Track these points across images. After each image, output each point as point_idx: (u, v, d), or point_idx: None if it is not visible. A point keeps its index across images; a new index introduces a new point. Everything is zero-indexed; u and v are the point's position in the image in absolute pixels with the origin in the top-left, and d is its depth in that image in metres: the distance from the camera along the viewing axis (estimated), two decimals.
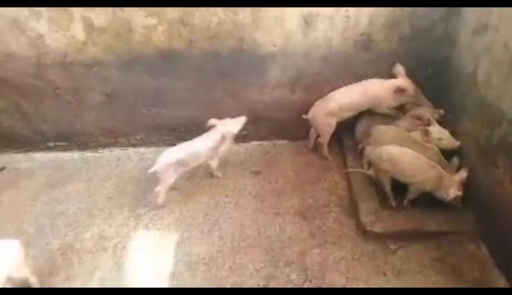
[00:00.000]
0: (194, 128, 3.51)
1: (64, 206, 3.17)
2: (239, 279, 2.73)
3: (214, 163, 3.27)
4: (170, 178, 3.07)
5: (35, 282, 2.60)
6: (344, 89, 3.18)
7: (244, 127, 3.46)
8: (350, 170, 3.24)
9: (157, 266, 2.80)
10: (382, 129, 3.10)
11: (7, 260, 2.42)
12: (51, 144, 3.57)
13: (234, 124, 3.13)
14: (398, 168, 2.86)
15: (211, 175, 3.38)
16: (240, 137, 3.61)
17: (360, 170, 3.14)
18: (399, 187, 2.95)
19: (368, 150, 3.03)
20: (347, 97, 3.16)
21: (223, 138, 3.11)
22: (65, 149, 3.60)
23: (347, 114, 3.23)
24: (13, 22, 2.80)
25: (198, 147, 3.11)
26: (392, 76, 3.13)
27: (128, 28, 2.84)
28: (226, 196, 3.27)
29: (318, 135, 3.40)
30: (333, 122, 3.22)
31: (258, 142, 3.51)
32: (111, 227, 3.03)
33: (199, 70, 3.11)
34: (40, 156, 3.61)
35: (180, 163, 3.06)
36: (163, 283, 2.71)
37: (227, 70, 3.12)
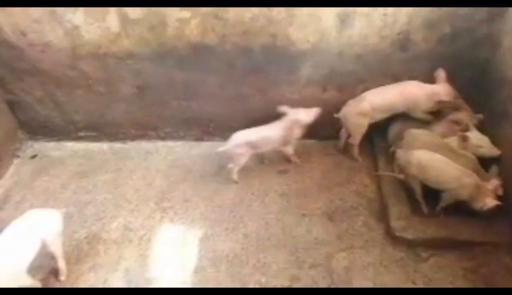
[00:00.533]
0: (222, 123, 3.54)
1: (92, 196, 3.23)
2: (262, 278, 2.71)
3: (289, 149, 3.30)
4: (240, 159, 3.17)
5: (63, 268, 2.67)
6: (378, 90, 3.09)
7: None
8: (380, 173, 3.15)
9: (181, 260, 2.82)
10: (415, 133, 2.98)
11: (46, 227, 2.51)
12: (82, 134, 3.62)
13: (306, 114, 3.10)
14: (427, 174, 2.76)
15: (288, 161, 3.41)
16: None
17: (391, 173, 3.04)
18: (433, 194, 2.83)
19: (399, 153, 2.93)
20: (380, 98, 3.06)
21: (292, 126, 3.12)
22: (95, 139, 3.65)
23: (380, 115, 3.13)
24: (51, 13, 2.84)
25: (267, 132, 3.18)
26: (429, 77, 3.01)
27: (162, 21, 2.84)
28: (252, 194, 3.24)
29: (349, 136, 3.32)
30: (364, 122, 3.13)
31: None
32: (137, 219, 3.07)
33: (229, 66, 3.08)
34: (71, 145, 3.68)
35: (249, 145, 3.13)
36: (186, 277, 2.72)
37: (258, 66, 3.08)
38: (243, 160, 3.19)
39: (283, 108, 3.14)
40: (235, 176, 3.27)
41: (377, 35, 2.88)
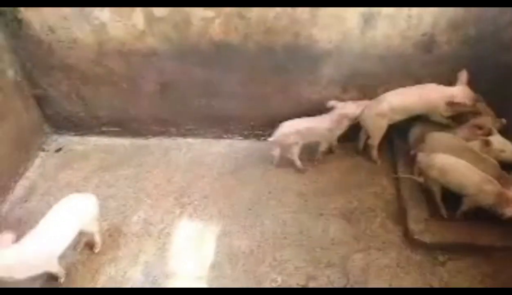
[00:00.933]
0: (242, 121, 3.59)
1: (114, 190, 3.30)
2: (278, 276, 2.73)
3: (325, 144, 3.32)
4: (290, 148, 3.24)
5: (99, 241, 2.80)
6: (398, 91, 3.06)
7: None
8: (400, 175, 3.13)
9: (199, 255, 2.86)
10: (437, 136, 2.95)
11: (84, 211, 2.63)
12: (105, 129, 3.71)
13: (354, 108, 3.14)
14: (448, 178, 2.72)
15: (310, 160, 3.42)
16: None
17: (411, 176, 3.02)
18: (453, 197, 2.79)
19: (421, 156, 2.91)
20: (399, 100, 3.03)
21: (341, 119, 3.15)
22: (117, 134, 3.72)
23: (399, 117, 3.10)
24: (79, 10, 2.91)
25: (316, 123, 3.20)
26: (452, 80, 2.96)
27: (186, 19, 2.88)
28: (269, 192, 3.27)
29: (368, 137, 3.31)
30: (384, 124, 3.11)
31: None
32: (156, 213, 3.13)
33: (251, 64, 3.11)
34: (94, 140, 3.77)
35: (297, 134, 3.17)
36: (203, 272, 2.76)
37: (279, 66, 3.10)
38: (295, 149, 3.24)
39: (332, 103, 3.16)
40: (298, 163, 3.32)
41: (401, 37, 2.87)
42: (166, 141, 3.73)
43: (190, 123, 3.62)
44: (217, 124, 3.61)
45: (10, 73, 3.24)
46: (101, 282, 2.69)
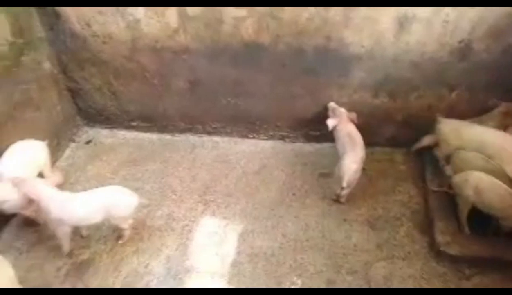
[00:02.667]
0: (268, 122, 3.59)
1: (140, 183, 3.36)
2: (299, 278, 2.73)
3: None
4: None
5: (126, 235, 2.89)
6: (481, 128, 2.85)
7: (317, 128, 3.47)
8: (434, 189, 3.05)
9: (220, 253, 2.88)
10: (464, 156, 2.81)
11: (122, 206, 2.72)
12: (134, 123, 3.78)
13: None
14: (483, 197, 2.61)
15: None
16: (313, 137, 3.62)
17: (443, 189, 2.95)
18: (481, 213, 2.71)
19: (449, 171, 2.83)
20: (477, 135, 2.81)
21: None
22: (146, 129, 3.80)
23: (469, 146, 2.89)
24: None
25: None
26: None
27: (219, 19, 2.91)
28: (293, 194, 3.26)
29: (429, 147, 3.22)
30: (454, 145, 2.93)
31: (331, 144, 3.41)
32: (180, 209, 3.17)
33: (281, 65, 3.11)
34: (123, 134, 3.85)
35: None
36: (224, 270, 2.78)
37: (309, 68, 3.08)
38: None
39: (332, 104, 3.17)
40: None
41: (436, 42, 2.80)
42: (192, 139, 3.78)
43: (216, 122, 3.65)
44: (243, 124, 3.63)
45: (47, 65, 3.35)
46: (124, 273, 2.74)
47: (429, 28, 2.72)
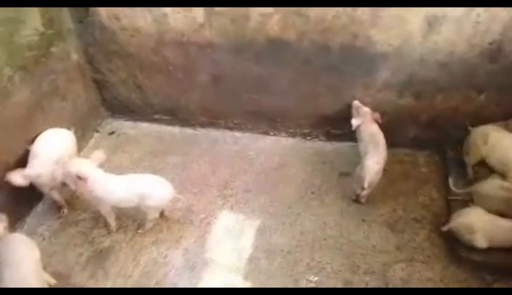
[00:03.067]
0: (290, 119, 3.58)
1: (161, 175, 3.29)
2: (315, 277, 2.72)
3: None
4: None
5: (148, 226, 2.96)
6: None
7: (339, 126, 3.44)
8: (453, 197, 2.98)
9: (237, 248, 2.90)
10: (485, 187, 2.76)
11: (156, 196, 2.79)
12: (157, 116, 3.83)
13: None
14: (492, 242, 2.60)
15: None
16: (334, 136, 3.59)
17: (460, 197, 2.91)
18: None
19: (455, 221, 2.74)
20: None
21: None
22: (168, 122, 3.84)
23: (494, 161, 2.93)
24: None
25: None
26: None
27: (245, 14, 2.91)
28: (312, 192, 3.25)
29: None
30: (484, 153, 2.95)
31: (352, 144, 3.38)
32: (199, 202, 3.20)
33: (305, 63, 3.09)
34: (146, 126, 3.91)
35: None
36: (240, 264, 2.79)
37: (333, 66, 3.06)
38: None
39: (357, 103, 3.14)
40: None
41: (466, 43, 2.73)
42: (213, 133, 3.80)
43: (238, 117, 3.66)
44: (265, 120, 3.63)
45: (74, 56, 3.43)
46: (143, 262, 2.79)
47: (459, 29, 2.66)
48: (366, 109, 3.12)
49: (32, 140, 2.94)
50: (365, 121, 3.10)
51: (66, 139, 3.06)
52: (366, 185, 2.86)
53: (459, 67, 2.86)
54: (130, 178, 2.80)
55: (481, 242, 2.57)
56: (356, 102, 3.18)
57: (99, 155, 2.78)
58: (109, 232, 2.98)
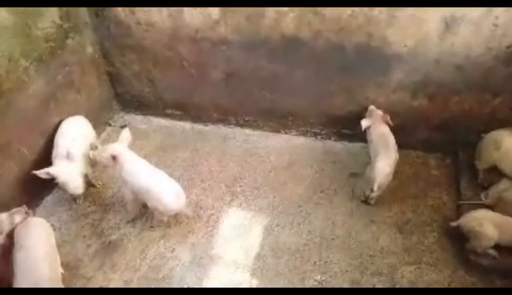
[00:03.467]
0: (301, 118, 3.57)
1: (170, 170, 3.35)
2: (322, 276, 2.71)
3: None
4: None
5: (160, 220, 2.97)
6: None
7: (351, 126, 3.42)
8: (460, 202, 2.98)
9: (245, 245, 2.90)
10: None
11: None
12: (169, 111, 3.85)
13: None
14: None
15: None
16: (346, 136, 3.58)
17: (477, 202, 2.89)
18: None
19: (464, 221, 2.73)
20: None
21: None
22: (180, 118, 3.86)
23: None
24: None
25: None
26: None
27: (260, 12, 2.91)
28: (321, 192, 3.23)
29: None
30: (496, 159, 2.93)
31: (363, 144, 3.37)
32: (208, 198, 3.21)
33: (319, 62, 3.08)
34: (157, 121, 3.92)
35: None
36: (247, 261, 2.80)
37: (347, 65, 3.05)
38: None
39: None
40: None
41: (483, 46, 2.70)
42: (224, 130, 3.81)
43: (249, 115, 3.66)
44: (276, 118, 3.62)
45: (89, 50, 3.45)
46: (150, 256, 2.81)
47: (477, 31, 2.63)
48: (378, 112, 3.11)
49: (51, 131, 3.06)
50: (375, 123, 3.09)
51: (86, 127, 3.21)
52: (376, 187, 2.85)
53: (475, 70, 2.83)
54: (152, 171, 2.84)
55: (491, 232, 2.55)
56: (371, 107, 3.17)
57: (126, 134, 2.87)
58: (125, 221, 3.01)
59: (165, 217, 2.90)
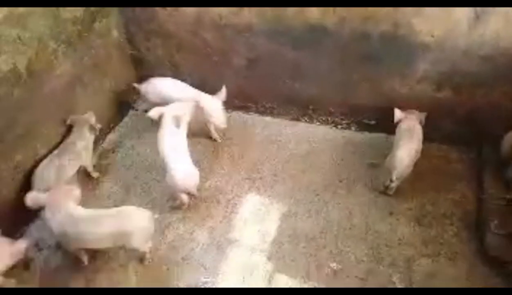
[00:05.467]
0: (322, 107, 3.56)
1: (190, 156, 3.47)
2: (338, 265, 2.72)
3: None
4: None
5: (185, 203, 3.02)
6: None
7: (372, 116, 3.40)
8: (482, 196, 2.92)
9: (262, 230, 2.94)
10: None
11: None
12: None
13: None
14: None
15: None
16: (366, 126, 3.56)
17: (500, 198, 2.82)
18: None
19: None
20: None
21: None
22: None
23: None
24: None
25: None
26: None
27: None
28: (340, 181, 3.23)
29: None
30: None
31: (384, 135, 3.36)
32: (227, 184, 3.25)
33: (343, 50, 3.06)
34: None
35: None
36: (264, 246, 2.83)
37: (372, 54, 3.01)
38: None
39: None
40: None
41: None
42: (244, 117, 3.83)
43: (270, 102, 3.67)
44: (297, 107, 3.62)
45: (115, 33, 3.51)
46: (170, 237, 2.88)
47: (507, 21, 2.56)
48: (415, 111, 3.09)
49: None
50: (408, 117, 3.06)
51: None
52: (395, 177, 2.84)
53: (504, 62, 2.76)
54: (176, 145, 2.97)
55: None
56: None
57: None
58: (145, 203, 3.06)
59: (184, 199, 2.95)
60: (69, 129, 3.11)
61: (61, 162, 2.90)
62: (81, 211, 2.52)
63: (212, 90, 3.65)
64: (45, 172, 2.84)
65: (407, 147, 2.87)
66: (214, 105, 3.34)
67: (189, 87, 3.44)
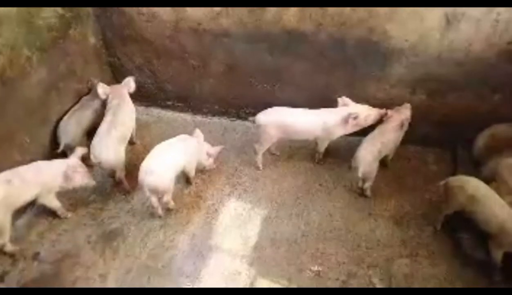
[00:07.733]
0: None
1: None
2: (319, 267, 2.75)
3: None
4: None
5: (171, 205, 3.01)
6: None
7: None
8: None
9: (243, 235, 2.94)
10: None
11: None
12: (170, 103, 3.86)
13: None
14: (475, 209, 2.57)
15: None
16: None
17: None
18: None
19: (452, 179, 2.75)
20: None
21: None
22: (180, 109, 3.87)
23: None
24: None
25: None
26: None
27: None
28: (320, 184, 3.27)
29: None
30: None
31: (362, 138, 3.38)
32: (208, 189, 3.24)
33: (320, 56, 3.10)
34: (157, 112, 3.94)
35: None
36: (246, 251, 2.83)
37: (348, 59, 3.07)
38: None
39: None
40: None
41: (484, 42, 2.71)
42: (224, 122, 3.84)
43: (250, 107, 3.65)
44: None
45: (92, 40, 3.47)
46: (150, 245, 2.84)
47: (478, 27, 2.64)
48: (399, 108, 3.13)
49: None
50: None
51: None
52: (360, 174, 2.92)
53: (475, 67, 2.85)
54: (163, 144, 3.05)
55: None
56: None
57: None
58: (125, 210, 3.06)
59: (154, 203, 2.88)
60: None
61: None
62: None
63: (191, 96, 3.69)
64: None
65: (369, 144, 2.97)
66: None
67: None
